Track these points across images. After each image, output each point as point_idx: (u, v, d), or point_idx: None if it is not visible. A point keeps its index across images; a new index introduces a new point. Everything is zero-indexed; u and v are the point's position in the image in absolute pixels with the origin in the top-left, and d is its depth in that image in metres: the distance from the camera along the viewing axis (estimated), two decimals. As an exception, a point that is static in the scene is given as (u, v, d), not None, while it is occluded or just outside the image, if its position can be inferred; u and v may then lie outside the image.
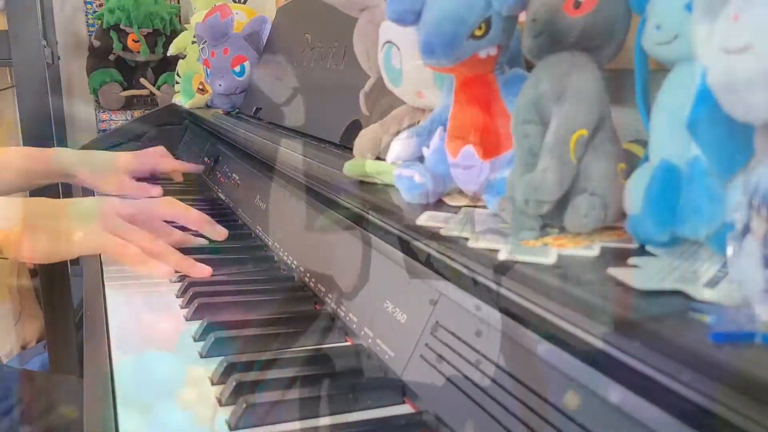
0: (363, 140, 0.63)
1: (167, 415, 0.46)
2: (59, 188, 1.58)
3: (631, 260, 0.35)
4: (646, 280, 0.32)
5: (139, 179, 1.17)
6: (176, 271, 0.72)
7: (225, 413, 0.45)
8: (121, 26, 2.02)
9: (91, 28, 2.25)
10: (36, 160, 1.11)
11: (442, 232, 0.44)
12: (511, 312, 0.38)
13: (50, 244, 0.70)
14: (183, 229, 0.82)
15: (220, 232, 0.83)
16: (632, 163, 0.40)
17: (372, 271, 0.56)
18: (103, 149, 1.35)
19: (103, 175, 1.13)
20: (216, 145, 1.23)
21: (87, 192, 1.26)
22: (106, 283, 0.71)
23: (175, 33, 1.98)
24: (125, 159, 1.17)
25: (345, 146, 0.77)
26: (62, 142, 1.95)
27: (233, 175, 1.07)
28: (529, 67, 0.44)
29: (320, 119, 0.89)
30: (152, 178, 1.23)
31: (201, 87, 1.46)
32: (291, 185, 0.79)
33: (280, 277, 0.72)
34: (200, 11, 1.47)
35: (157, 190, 1.12)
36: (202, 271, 0.72)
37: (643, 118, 0.39)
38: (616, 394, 0.31)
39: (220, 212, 1.03)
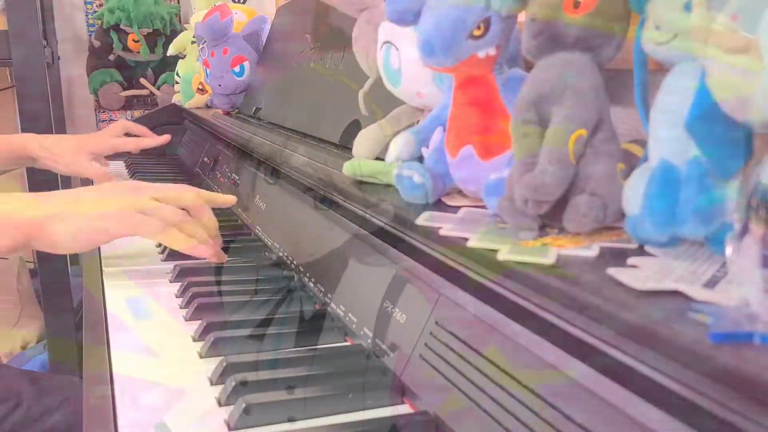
0: (362, 140, 0.63)
1: (167, 415, 0.46)
2: (58, 180, 1.58)
3: (631, 260, 0.35)
4: (645, 280, 0.32)
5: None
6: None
7: (224, 413, 0.45)
8: (121, 26, 2.02)
9: (91, 28, 2.26)
10: (1, 146, 1.13)
11: (442, 232, 0.44)
12: (510, 312, 0.38)
13: (83, 230, 0.66)
14: None
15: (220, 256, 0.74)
16: (632, 163, 0.40)
17: (372, 271, 0.56)
18: None
19: (65, 158, 1.15)
20: (216, 145, 1.23)
21: (57, 179, 1.28)
22: (106, 283, 0.71)
23: (175, 33, 1.99)
24: (88, 141, 1.19)
25: (345, 146, 0.77)
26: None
27: (233, 175, 1.07)
28: (529, 67, 0.44)
29: (320, 119, 0.89)
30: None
31: (201, 87, 1.47)
32: (291, 185, 0.80)
33: (280, 276, 0.72)
34: (200, 11, 1.47)
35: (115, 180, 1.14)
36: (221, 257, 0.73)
37: (642, 118, 0.39)
38: (615, 394, 0.31)
39: (219, 212, 1.03)
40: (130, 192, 0.70)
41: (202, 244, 0.69)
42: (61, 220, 0.66)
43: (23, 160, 1.16)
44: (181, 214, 0.70)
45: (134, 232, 0.68)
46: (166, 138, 1.28)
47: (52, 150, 1.15)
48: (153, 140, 1.28)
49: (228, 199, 0.80)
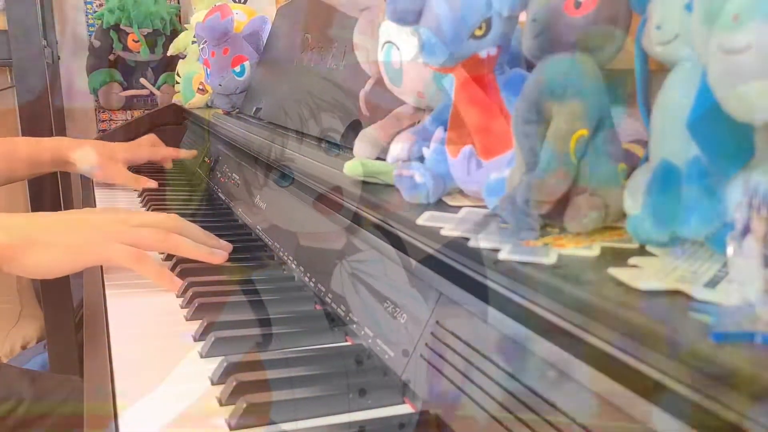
0: (363, 140, 0.63)
1: (167, 415, 0.46)
2: (58, 178, 1.59)
3: (632, 260, 0.35)
4: (646, 280, 0.32)
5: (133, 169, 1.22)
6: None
7: (225, 413, 0.45)
8: (121, 26, 2.02)
9: (91, 28, 2.25)
10: (37, 149, 1.14)
11: (442, 232, 0.44)
12: (511, 312, 0.38)
13: (57, 257, 0.66)
14: None
15: (218, 257, 0.74)
16: (633, 163, 0.40)
17: (372, 271, 0.56)
18: None
19: (102, 165, 1.17)
20: (216, 145, 1.23)
21: (85, 180, 1.28)
22: (106, 283, 0.71)
23: (175, 33, 1.98)
24: (122, 149, 1.21)
25: (345, 146, 0.77)
26: (62, 142, 1.94)
27: (233, 175, 1.07)
28: (529, 67, 0.44)
29: (320, 119, 0.89)
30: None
31: (201, 87, 1.47)
32: (291, 185, 0.80)
33: (280, 276, 0.72)
34: (200, 11, 1.47)
35: (152, 183, 1.16)
36: (221, 256, 0.73)
37: (643, 118, 0.39)
38: (616, 393, 0.31)
39: (219, 212, 1.03)
40: (108, 223, 0.70)
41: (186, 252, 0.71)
42: (35, 248, 0.65)
43: (58, 164, 1.17)
44: (158, 240, 0.71)
45: (108, 261, 0.69)
46: (192, 152, 1.34)
47: (88, 155, 1.16)
48: (183, 153, 1.33)
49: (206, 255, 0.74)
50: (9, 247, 0.65)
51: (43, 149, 1.15)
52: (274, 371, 0.49)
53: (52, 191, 1.57)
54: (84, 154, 1.16)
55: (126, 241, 0.69)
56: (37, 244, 0.66)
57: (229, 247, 0.77)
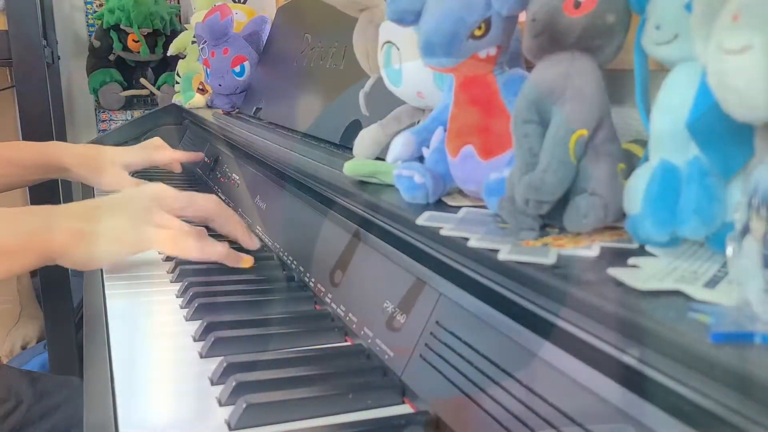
0: (363, 140, 0.63)
1: (167, 415, 0.46)
2: (59, 184, 1.59)
3: (631, 260, 0.35)
4: (646, 280, 0.32)
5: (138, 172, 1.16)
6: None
7: (225, 413, 0.45)
8: (121, 26, 2.02)
9: (91, 28, 2.26)
10: (32, 154, 1.08)
11: (442, 232, 0.44)
12: (511, 312, 0.38)
13: (104, 248, 0.66)
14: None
15: (245, 259, 0.73)
16: (632, 163, 0.40)
17: (372, 271, 0.56)
18: None
19: (101, 171, 1.09)
20: (216, 145, 1.23)
21: (86, 188, 1.25)
22: (106, 283, 0.71)
23: (175, 33, 1.99)
24: (123, 154, 1.14)
25: (345, 146, 0.77)
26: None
27: (233, 175, 1.07)
28: (529, 67, 0.44)
29: (320, 119, 0.89)
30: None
31: (201, 87, 1.47)
32: (291, 185, 0.80)
33: (280, 277, 0.72)
34: (200, 11, 1.47)
35: None
36: (248, 260, 0.73)
37: (643, 118, 0.39)
38: (615, 394, 0.31)
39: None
40: (150, 206, 0.69)
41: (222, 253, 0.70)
42: (82, 240, 0.65)
43: (54, 171, 1.09)
44: (197, 231, 0.70)
45: (152, 247, 0.68)
46: (200, 155, 1.26)
47: (87, 161, 1.09)
48: (189, 155, 1.24)
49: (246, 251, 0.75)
50: (61, 243, 0.64)
51: (36, 154, 1.07)
52: (274, 371, 0.49)
53: (52, 200, 1.57)
54: (80, 159, 1.08)
55: (160, 225, 0.68)
56: (84, 237, 0.65)
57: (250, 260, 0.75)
